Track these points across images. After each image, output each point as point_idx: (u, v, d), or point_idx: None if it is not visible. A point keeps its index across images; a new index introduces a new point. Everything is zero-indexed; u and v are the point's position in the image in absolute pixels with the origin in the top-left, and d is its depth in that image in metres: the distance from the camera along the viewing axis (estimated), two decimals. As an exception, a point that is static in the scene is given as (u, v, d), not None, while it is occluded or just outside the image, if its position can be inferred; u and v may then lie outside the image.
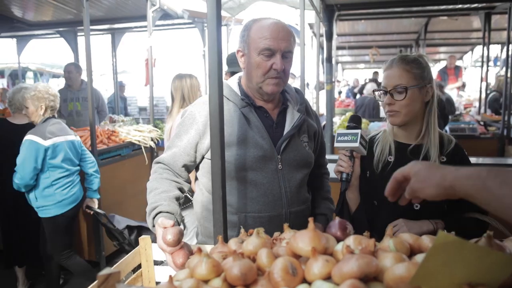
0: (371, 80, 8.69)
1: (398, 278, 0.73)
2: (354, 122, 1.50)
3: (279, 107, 1.58)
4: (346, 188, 1.47)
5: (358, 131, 1.44)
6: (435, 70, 11.87)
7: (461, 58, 12.49)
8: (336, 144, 1.47)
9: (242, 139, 1.47)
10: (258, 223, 1.49)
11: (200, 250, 0.91)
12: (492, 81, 7.43)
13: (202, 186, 1.60)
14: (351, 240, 0.88)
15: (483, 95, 6.42)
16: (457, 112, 7.05)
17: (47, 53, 13.19)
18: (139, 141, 3.99)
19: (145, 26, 4.61)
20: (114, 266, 1.31)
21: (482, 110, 6.28)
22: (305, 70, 3.53)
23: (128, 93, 9.35)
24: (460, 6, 5.08)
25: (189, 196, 2.63)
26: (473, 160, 3.86)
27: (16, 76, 11.05)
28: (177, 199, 1.44)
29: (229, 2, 5.93)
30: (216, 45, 1.12)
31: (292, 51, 1.48)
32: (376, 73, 10.76)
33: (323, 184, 1.78)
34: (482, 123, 5.67)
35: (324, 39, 4.87)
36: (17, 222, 3.19)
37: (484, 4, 5.15)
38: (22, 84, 3.39)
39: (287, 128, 1.54)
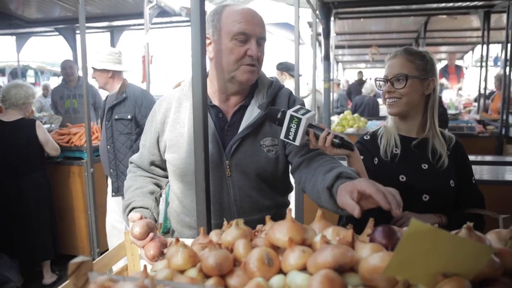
0: (357, 81, 8.69)
1: (373, 269, 0.71)
2: (276, 113, 1.25)
3: (238, 105, 1.40)
4: (350, 144, 1.22)
5: (288, 112, 1.22)
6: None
7: (461, 58, 12.46)
8: (298, 143, 1.22)
9: (189, 141, 1.35)
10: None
11: (177, 240, 0.90)
12: (492, 80, 7.41)
13: (171, 188, 1.54)
14: (329, 231, 0.87)
15: (483, 94, 6.39)
16: (456, 112, 7.03)
17: (47, 51, 13.22)
18: (135, 138, 3.98)
19: (143, 24, 4.60)
20: (98, 258, 1.31)
21: (482, 109, 6.25)
22: (305, 69, 3.52)
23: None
24: (459, 4, 5.06)
25: None
26: (472, 157, 3.88)
27: (16, 74, 11.10)
28: (152, 193, 1.42)
29: (228, 0, 5.94)
30: (200, 41, 1.11)
31: (265, 39, 1.35)
32: (360, 73, 10.84)
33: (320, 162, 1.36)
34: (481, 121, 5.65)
35: (321, 37, 4.85)
36: (7, 219, 3.17)
37: (483, 3, 5.13)
38: (18, 81, 3.43)
39: (241, 128, 1.36)
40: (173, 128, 1.40)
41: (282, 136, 1.24)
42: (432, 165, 1.51)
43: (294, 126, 1.21)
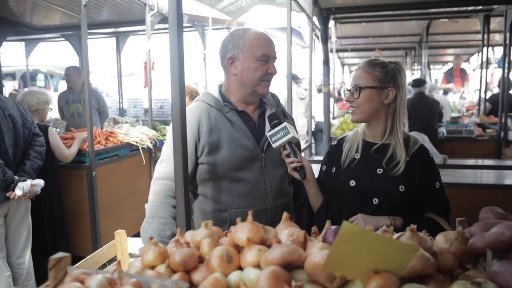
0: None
1: (314, 265, 0.80)
2: (275, 119, 1.60)
3: (259, 110, 1.72)
4: (304, 174, 1.57)
5: (284, 123, 1.55)
6: (440, 72, 11.81)
7: (467, 60, 12.40)
8: (274, 145, 1.56)
9: (229, 142, 1.59)
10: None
11: (151, 238, 1.00)
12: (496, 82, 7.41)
13: (201, 194, 1.70)
14: (285, 232, 0.96)
15: (483, 97, 6.41)
16: (458, 114, 7.05)
17: (57, 55, 13.46)
18: (136, 142, 4.11)
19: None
20: (88, 257, 1.42)
21: (482, 112, 6.27)
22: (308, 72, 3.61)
23: (134, 95, 9.52)
24: (457, 9, 5.10)
25: None
26: (471, 162, 3.94)
27: (26, 78, 11.35)
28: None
29: (230, 6, 6.04)
30: (177, 50, 1.21)
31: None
32: None
33: (304, 191, 1.87)
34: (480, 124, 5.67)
35: (320, 42, 4.93)
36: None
37: (481, 7, 5.16)
38: (33, 88, 3.61)
39: (268, 128, 1.65)
40: (210, 134, 1.61)
41: (267, 133, 1.57)
42: (386, 170, 1.57)
43: (281, 133, 1.54)
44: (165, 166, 1.62)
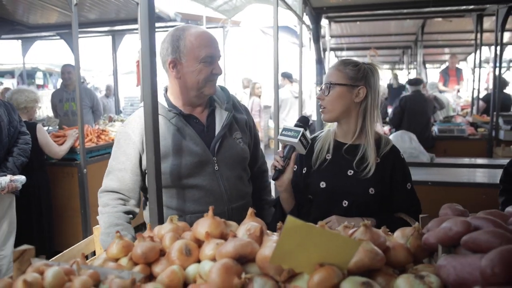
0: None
1: (264, 258, 0.83)
2: (301, 122, 1.54)
3: (208, 109, 1.64)
4: (276, 177, 1.52)
5: (301, 129, 1.50)
6: (436, 71, 11.80)
7: (465, 59, 12.42)
8: (279, 137, 1.52)
9: (177, 149, 1.53)
10: None
11: (117, 232, 1.04)
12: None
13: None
14: (244, 226, 1.00)
15: (476, 96, 6.45)
16: (452, 113, 7.08)
17: (55, 53, 13.51)
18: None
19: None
20: (65, 251, 1.46)
21: (475, 111, 6.30)
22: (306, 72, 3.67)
23: (131, 93, 9.57)
24: (449, 8, 5.13)
25: None
26: (465, 160, 3.97)
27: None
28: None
29: (224, 5, 6.08)
30: (149, 53, 1.24)
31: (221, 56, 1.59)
32: None
33: (264, 185, 1.89)
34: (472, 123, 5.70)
35: (312, 41, 4.96)
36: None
37: (473, 6, 5.19)
38: (22, 86, 3.66)
39: (218, 129, 1.60)
40: None
41: (285, 126, 1.53)
42: (356, 172, 1.55)
43: (291, 133, 1.49)
44: (110, 179, 1.57)
